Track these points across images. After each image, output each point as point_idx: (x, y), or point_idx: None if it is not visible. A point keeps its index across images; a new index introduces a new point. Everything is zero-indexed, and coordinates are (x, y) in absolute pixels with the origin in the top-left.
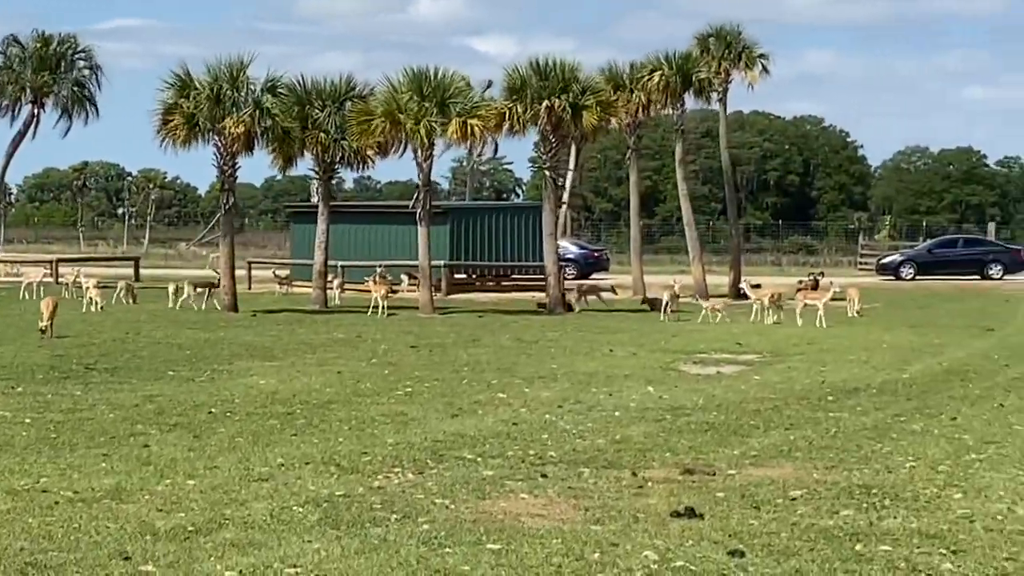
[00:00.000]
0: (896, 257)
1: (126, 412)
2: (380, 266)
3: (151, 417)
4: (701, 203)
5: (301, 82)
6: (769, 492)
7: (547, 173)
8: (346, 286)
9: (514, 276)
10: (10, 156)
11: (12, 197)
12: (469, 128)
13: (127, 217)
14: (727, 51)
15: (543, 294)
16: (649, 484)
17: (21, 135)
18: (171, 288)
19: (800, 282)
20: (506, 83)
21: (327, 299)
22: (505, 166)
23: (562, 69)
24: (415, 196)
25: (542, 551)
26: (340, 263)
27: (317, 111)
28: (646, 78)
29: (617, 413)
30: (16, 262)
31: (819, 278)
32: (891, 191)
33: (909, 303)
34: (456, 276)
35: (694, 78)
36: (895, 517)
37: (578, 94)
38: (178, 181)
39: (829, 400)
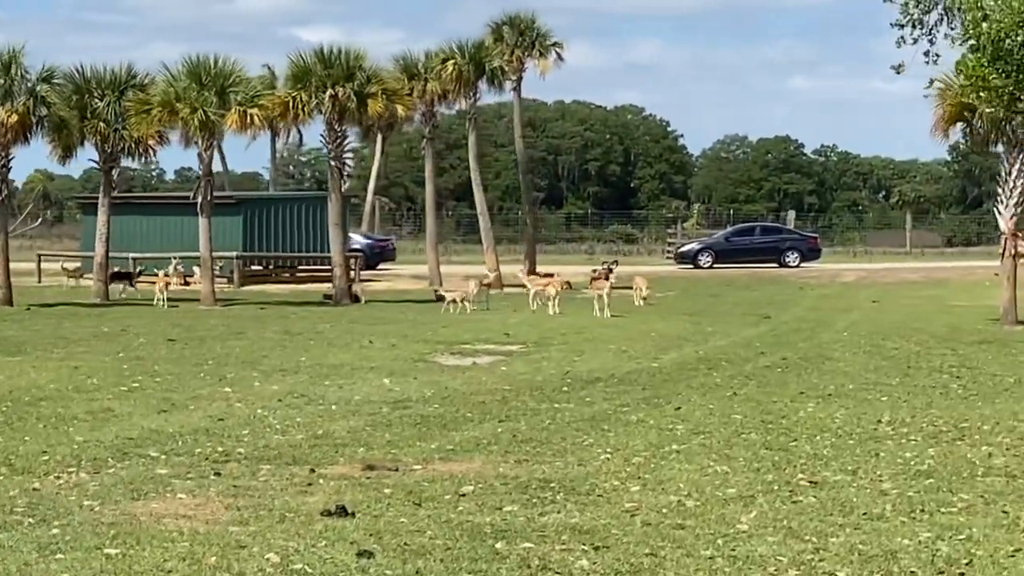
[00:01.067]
0: (694, 245)
1: None
2: (175, 258)
3: None
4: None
5: (80, 71)
6: (440, 488)
7: (332, 163)
8: (140, 278)
9: (310, 267)
10: None
11: None
12: (249, 117)
13: None
14: (520, 39)
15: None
16: (321, 481)
17: None
18: None
19: (594, 271)
20: (290, 71)
21: (108, 292)
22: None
23: (347, 57)
24: (196, 186)
25: (160, 556)
26: (132, 255)
27: (97, 100)
28: (439, 67)
29: (334, 407)
30: None
31: (612, 267)
32: (711, 180)
33: (702, 291)
34: (253, 267)
35: (487, 67)
36: (559, 512)
37: (363, 82)
38: None
39: (563, 391)
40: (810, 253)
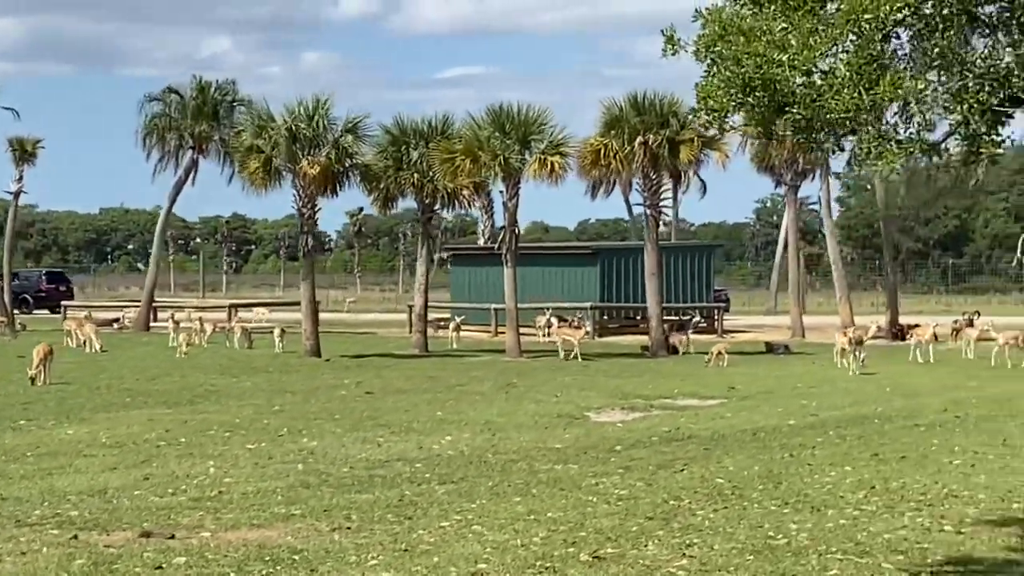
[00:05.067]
0: None
1: None
2: (548, 309)
3: None
4: None
5: (399, 121)
6: (162, 558)
7: (647, 211)
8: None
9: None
10: (172, 201)
11: (332, 242)
12: (550, 164)
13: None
14: None
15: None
16: (72, 549)
17: (182, 181)
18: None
19: (955, 322)
20: (603, 118)
21: (427, 343)
22: None
23: (660, 104)
24: (500, 237)
25: None
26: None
27: (413, 150)
28: None
29: (323, 467)
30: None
31: (973, 317)
32: None
33: None
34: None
35: None
36: None
37: (677, 129)
38: None
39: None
40: None
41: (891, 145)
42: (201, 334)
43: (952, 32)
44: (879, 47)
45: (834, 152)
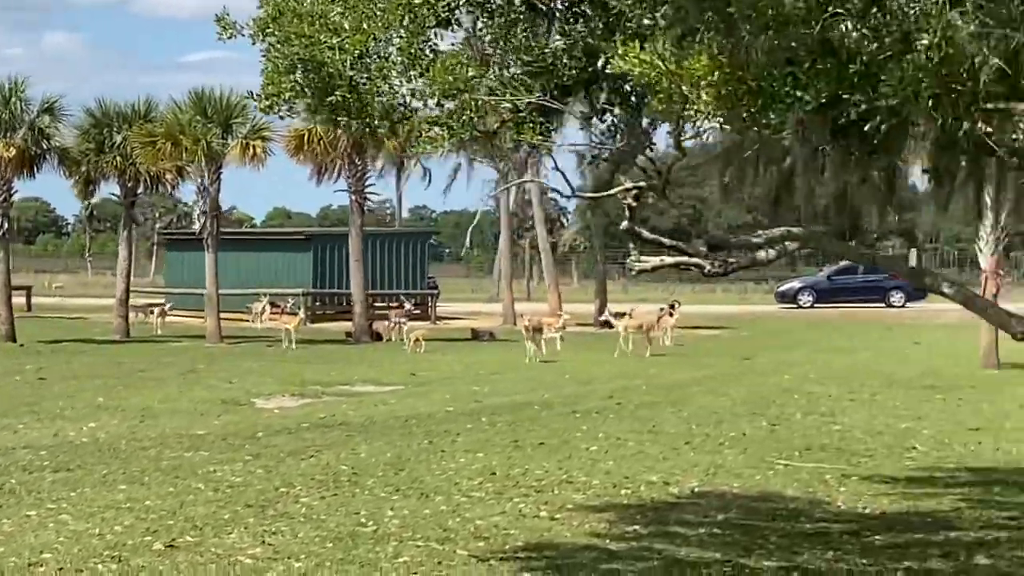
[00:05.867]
0: (795, 284)
1: None
2: (265, 295)
3: None
4: None
5: (101, 103)
6: None
7: (352, 197)
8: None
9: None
10: None
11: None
12: (252, 149)
13: None
14: None
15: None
16: None
17: None
18: None
19: (661, 309)
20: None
21: (128, 328)
22: None
23: None
24: (203, 223)
25: None
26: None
27: (116, 134)
28: None
29: None
30: None
31: (676, 304)
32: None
33: (768, 331)
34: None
35: None
36: None
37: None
38: None
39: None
40: (916, 292)
41: (442, 131)
42: None
43: (505, 19)
44: (434, 32)
45: (389, 137)
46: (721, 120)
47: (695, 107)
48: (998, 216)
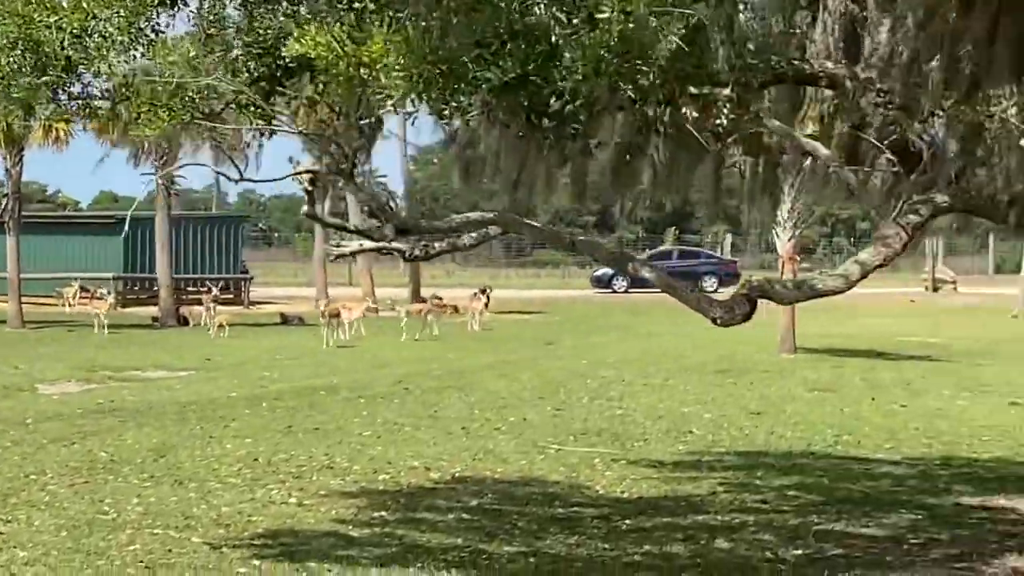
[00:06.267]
0: (608, 270)
1: None
2: (76, 279)
3: None
4: None
5: None
6: None
7: (158, 180)
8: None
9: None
10: None
11: None
12: (55, 131)
13: None
14: None
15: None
16: None
17: None
18: None
19: (474, 294)
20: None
21: None
22: None
23: None
24: (3, 205)
25: None
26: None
27: None
28: None
29: None
30: None
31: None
32: None
33: (573, 316)
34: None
35: None
36: None
37: None
38: None
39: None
40: (727, 278)
41: (162, 112)
42: None
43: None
44: (154, 12)
45: (111, 119)
46: (413, 103)
47: (384, 91)
48: (794, 202)
